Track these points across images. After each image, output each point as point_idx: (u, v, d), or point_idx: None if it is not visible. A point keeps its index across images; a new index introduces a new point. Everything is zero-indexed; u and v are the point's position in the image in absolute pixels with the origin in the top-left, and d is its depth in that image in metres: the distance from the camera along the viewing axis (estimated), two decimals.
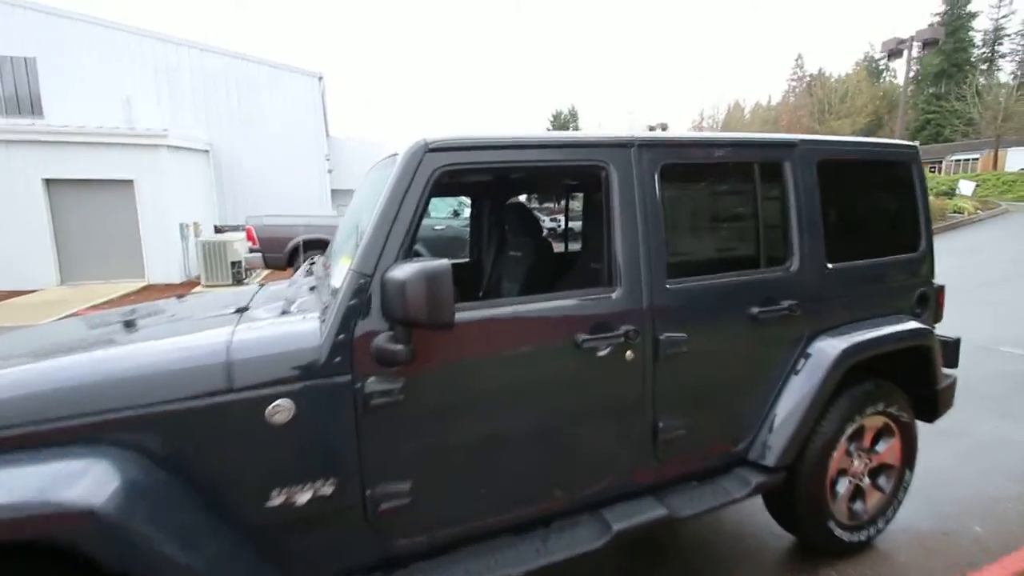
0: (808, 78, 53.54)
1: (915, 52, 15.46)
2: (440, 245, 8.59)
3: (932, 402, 2.44)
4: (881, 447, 2.33)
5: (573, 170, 1.98)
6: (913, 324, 2.32)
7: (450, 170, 1.52)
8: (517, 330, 1.60)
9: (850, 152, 2.27)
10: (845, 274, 2.20)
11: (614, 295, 1.72)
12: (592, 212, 2.53)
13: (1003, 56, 43.02)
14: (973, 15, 43.29)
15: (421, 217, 1.48)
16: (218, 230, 12.96)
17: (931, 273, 2.52)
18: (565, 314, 1.65)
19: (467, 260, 3.42)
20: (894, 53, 16.49)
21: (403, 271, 1.31)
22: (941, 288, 2.58)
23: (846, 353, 2.06)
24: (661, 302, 1.77)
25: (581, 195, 3.38)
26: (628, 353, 1.72)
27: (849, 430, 2.17)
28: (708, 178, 2.10)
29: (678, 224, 1.94)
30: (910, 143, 2.49)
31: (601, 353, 1.68)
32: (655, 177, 1.78)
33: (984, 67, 42.79)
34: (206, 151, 13.87)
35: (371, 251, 1.44)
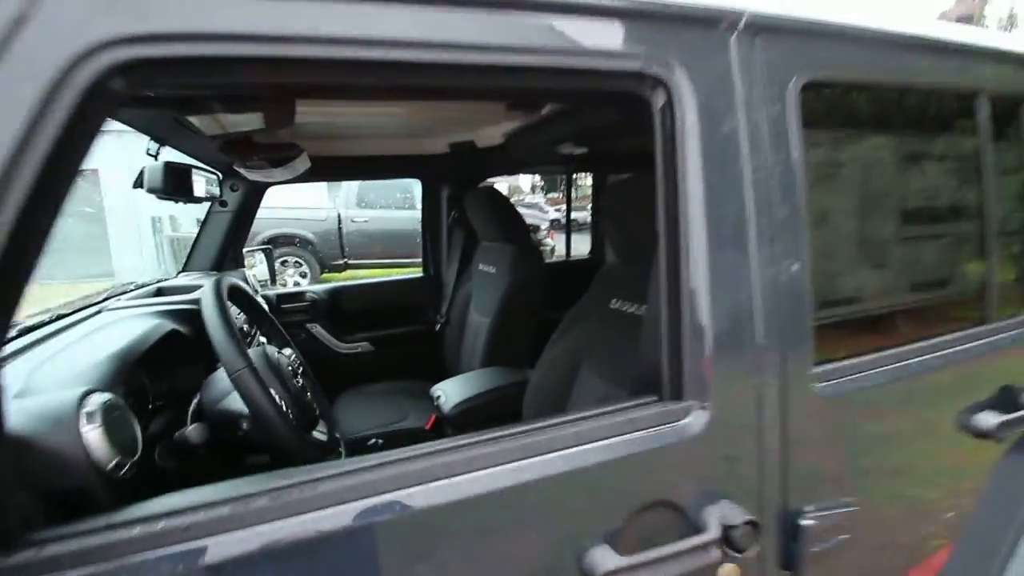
0: None
1: None
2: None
3: None
4: None
5: (577, 80, 0.61)
6: None
7: (160, 59, 0.43)
8: (418, 541, 0.54)
9: None
10: None
11: (688, 422, 0.64)
12: (617, 196, 1.20)
13: None
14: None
15: (48, 220, 0.43)
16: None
17: None
18: (551, 497, 0.58)
19: (420, 276, 2.34)
20: None
21: None
22: None
23: None
24: (802, 428, 0.70)
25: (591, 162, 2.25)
26: (725, 574, 0.66)
27: None
28: (894, 123, 0.91)
29: (829, 227, 0.83)
30: None
31: None
32: (791, 107, 0.69)
33: None
34: None
35: None
